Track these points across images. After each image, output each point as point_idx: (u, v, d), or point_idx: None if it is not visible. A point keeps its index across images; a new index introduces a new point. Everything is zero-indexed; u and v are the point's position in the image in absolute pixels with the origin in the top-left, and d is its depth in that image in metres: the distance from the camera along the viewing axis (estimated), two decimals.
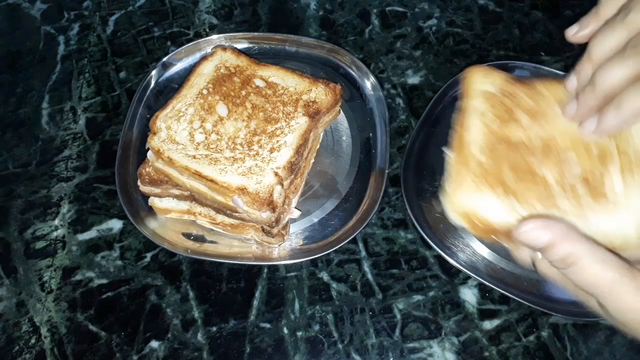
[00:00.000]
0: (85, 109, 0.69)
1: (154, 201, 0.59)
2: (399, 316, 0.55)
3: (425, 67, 0.71)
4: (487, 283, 0.54)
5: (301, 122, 0.57)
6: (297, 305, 0.56)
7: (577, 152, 0.42)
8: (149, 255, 0.59)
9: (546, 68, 0.67)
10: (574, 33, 0.42)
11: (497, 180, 0.42)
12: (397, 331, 0.54)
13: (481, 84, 0.47)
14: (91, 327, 0.55)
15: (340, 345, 0.54)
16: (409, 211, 0.58)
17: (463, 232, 0.58)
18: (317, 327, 0.54)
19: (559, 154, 0.42)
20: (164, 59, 0.69)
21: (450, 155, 0.45)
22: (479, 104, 0.46)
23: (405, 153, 0.61)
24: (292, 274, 0.57)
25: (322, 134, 0.63)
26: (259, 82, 0.60)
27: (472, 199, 0.41)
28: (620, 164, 0.41)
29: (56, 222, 0.61)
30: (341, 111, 0.64)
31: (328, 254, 0.57)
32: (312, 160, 0.62)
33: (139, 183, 0.57)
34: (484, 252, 0.57)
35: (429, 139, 0.64)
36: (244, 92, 0.59)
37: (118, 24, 0.77)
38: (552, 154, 0.43)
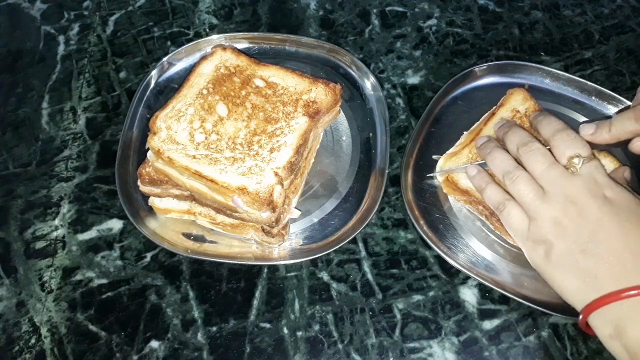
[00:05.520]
0: (85, 109, 0.69)
1: (154, 201, 0.59)
2: (399, 316, 0.55)
3: (425, 67, 0.71)
4: (487, 283, 0.54)
5: (301, 122, 0.57)
6: (297, 305, 0.56)
7: None
8: (149, 255, 0.59)
9: (546, 68, 0.67)
10: (588, 134, 0.52)
11: None
12: (397, 331, 0.54)
13: (516, 102, 0.61)
14: (91, 327, 0.55)
15: (340, 345, 0.54)
16: (408, 211, 0.58)
17: (463, 232, 0.58)
18: (317, 327, 0.54)
19: None
20: (164, 59, 0.69)
21: (464, 134, 0.62)
22: (506, 114, 0.60)
23: (405, 153, 0.61)
24: (292, 274, 0.57)
25: (322, 134, 0.63)
26: (259, 82, 0.60)
27: (456, 165, 0.58)
28: None
29: (56, 222, 0.61)
30: (341, 111, 0.64)
31: (328, 254, 0.57)
32: (312, 160, 0.62)
33: (139, 183, 0.57)
34: (484, 252, 0.57)
35: (429, 139, 0.64)
36: (244, 92, 0.59)
37: (118, 24, 0.76)
38: None
